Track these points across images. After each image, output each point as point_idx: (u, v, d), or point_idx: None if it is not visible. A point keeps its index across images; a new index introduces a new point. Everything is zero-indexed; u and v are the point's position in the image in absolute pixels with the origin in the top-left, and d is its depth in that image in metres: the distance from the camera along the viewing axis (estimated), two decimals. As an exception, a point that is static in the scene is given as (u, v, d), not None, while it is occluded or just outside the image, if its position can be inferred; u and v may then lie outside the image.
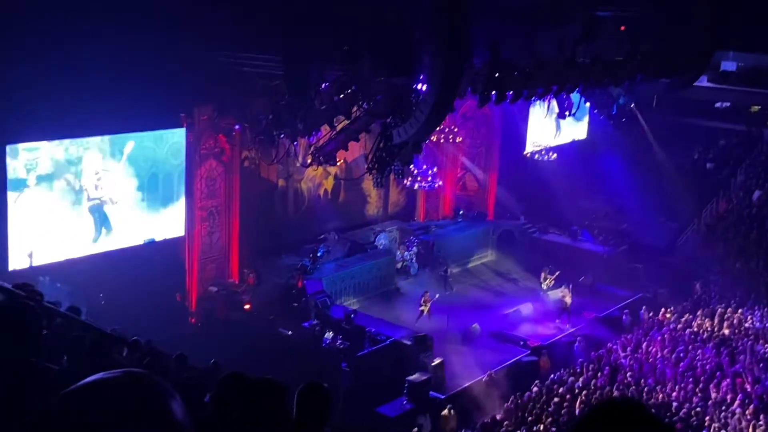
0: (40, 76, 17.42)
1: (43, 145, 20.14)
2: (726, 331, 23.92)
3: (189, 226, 23.50)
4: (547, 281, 28.14)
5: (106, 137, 21.36)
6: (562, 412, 19.07)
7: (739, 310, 25.28)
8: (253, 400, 3.19)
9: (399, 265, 28.92)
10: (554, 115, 31.83)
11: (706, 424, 18.60)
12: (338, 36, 19.38)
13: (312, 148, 22.38)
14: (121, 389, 1.63)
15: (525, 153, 32.82)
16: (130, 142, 21.89)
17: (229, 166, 24.28)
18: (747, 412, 18.89)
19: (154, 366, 8.51)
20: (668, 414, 18.71)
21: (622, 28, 24.25)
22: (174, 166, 22.98)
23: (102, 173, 21.45)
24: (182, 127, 22.81)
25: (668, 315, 25.68)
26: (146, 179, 22.45)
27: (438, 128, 24.29)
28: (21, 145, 19.75)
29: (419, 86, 18.99)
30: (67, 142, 20.49)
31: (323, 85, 20.59)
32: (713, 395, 19.95)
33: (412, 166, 24.62)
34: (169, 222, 23.16)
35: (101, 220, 21.77)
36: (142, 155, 22.25)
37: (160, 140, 22.66)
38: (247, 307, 24.03)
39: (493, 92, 20.71)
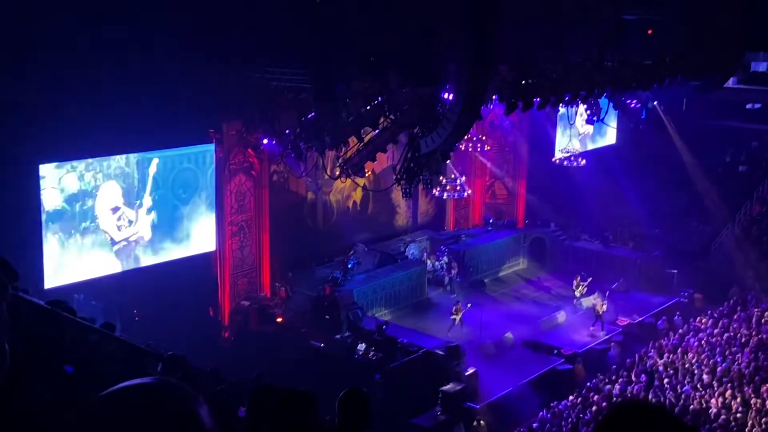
0: (69, 95, 17.62)
1: (62, 172, 20.25)
2: (764, 335, 23.52)
3: (220, 240, 23.64)
4: (580, 288, 27.91)
5: (133, 161, 21.54)
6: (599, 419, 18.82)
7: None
8: (283, 411, 3.20)
9: (429, 276, 28.85)
10: (581, 121, 31.64)
11: (746, 430, 18.27)
12: (364, 48, 19.39)
13: (340, 161, 22.40)
14: (150, 394, 1.67)
15: (554, 159, 32.63)
16: (155, 160, 22.02)
17: (258, 180, 24.40)
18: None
19: (188, 380, 8.54)
20: (707, 421, 18.41)
21: (650, 31, 24.02)
22: (204, 182, 23.17)
23: (124, 210, 21.49)
24: (211, 142, 22.98)
25: (704, 320, 25.33)
26: (177, 197, 22.65)
27: (465, 137, 24.21)
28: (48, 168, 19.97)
29: (446, 95, 18.95)
30: (82, 167, 20.57)
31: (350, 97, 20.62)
32: (753, 401, 19.59)
33: (441, 176, 24.55)
34: (200, 237, 23.33)
35: (131, 263, 21.93)
36: (172, 174, 22.46)
37: (191, 157, 22.87)
38: (279, 320, 24.12)
39: (520, 100, 20.62)
